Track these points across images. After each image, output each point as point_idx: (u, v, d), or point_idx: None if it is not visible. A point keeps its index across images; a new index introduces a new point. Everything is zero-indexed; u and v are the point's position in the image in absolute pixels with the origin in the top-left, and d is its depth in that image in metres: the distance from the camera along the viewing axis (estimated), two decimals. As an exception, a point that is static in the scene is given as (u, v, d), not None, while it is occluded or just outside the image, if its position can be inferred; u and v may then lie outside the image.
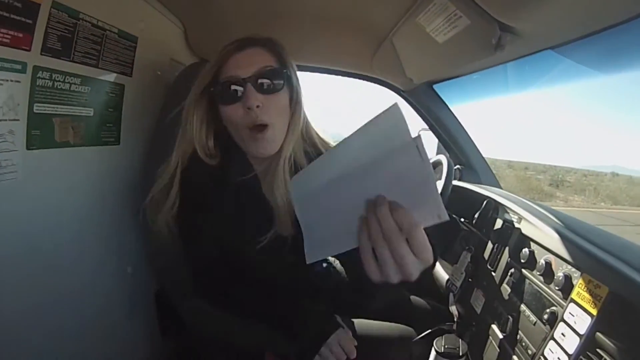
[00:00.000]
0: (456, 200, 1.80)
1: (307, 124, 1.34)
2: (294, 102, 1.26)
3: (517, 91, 1.95)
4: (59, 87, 1.29)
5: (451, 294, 1.57)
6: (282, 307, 1.27)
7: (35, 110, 1.21)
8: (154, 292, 1.85)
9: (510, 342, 1.19)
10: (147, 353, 1.89)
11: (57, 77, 1.28)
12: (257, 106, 1.15)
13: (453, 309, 1.54)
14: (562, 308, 1.01)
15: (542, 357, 1.03)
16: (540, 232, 1.24)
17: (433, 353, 1.30)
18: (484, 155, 2.33)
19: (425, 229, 0.73)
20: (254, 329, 1.37)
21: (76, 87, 1.36)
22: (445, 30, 1.34)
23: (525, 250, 1.24)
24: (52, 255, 1.36)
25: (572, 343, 0.94)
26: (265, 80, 1.17)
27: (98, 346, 1.59)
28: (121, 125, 1.61)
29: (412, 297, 1.73)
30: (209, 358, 1.68)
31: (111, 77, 1.52)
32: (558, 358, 0.97)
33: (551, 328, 1.02)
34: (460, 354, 1.27)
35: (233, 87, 1.16)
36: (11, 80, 1.13)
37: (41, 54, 1.20)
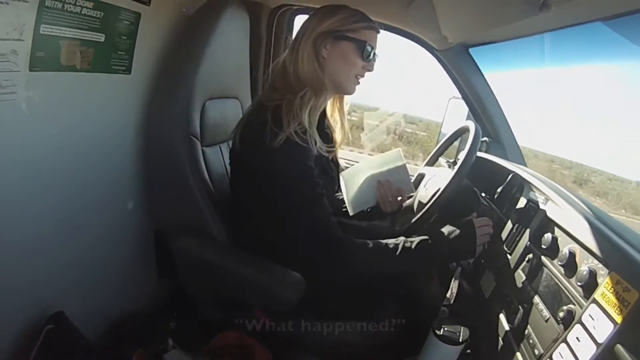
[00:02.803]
0: (479, 172, 1.67)
1: None
2: None
3: (556, 65, 1.86)
4: (69, 9, 1.23)
5: (458, 269, 1.50)
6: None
7: (41, 32, 1.17)
8: (153, 231, 1.83)
9: (516, 336, 1.08)
10: (143, 291, 1.89)
11: (68, -1, 1.23)
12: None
13: (455, 284, 1.46)
14: (582, 308, 0.88)
15: None
16: (567, 217, 1.11)
17: (431, 334, 1.21)
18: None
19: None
20: (241, 279, 1.42)
21: (88, 11, 1.30)
22: None
23: (548, 235, 1.11)
24: (48, 183, 1.34)
25: (587, 351, 0.81)
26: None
27: (95, 280, 1.60)
28: (134, 55, 1.55)
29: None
30: (198, 302, 1.69)
31: (127, 3, 1.44)
32: (568, 366, 0.84)
33: (565, 329, 0.90)
34: (460, 340, 1.18)
35: (370, 52, 1.43)
36: (18, 0, 1.09)
37: (52, -26, 1.16)
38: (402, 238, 1.38)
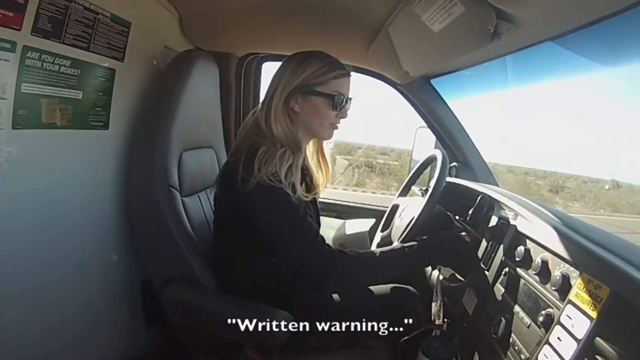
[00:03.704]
0: (451, 197, 1.73)
1: None
2: None
3: (515, 86, 1.93)
4: (48, 68, 1.29)
5: (438, 293, 1.48)
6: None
7: (22, 90, 1.22)
8: (140, 281, 1.82)
9: (502, 345, 1.11)
10: (132, 342, 1.87)
11: (47, 58, 1.28)
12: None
13: (437, 304, 1.44)
14: (559, 310, 0.93)
15: None
16: (536, 229, 1.16)
17: (420, 355, 1.24)
18: (485, 160, 2.29)
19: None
20: (231, 321, 1.41)
21: (66, 69, 1.35)
22: (441, 18, 1.29)
23: (521, 248, 1.15)
24: (32, 239, 1.35)
25: (569, 348, 0.85)
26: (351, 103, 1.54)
27: (83, 334, 1.58)
28: (110, 110, 1.59)
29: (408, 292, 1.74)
30: (190, 348, 1.68)
31: (102, 61, 1.50)
32: (553, 364, 0.88)
33: (546, 331, 0.94)
34: (449, 357, 1.21)
35: (341, 100, 1.46)
36: (0, 59, 1.14)
37: (31, 34, 1.21)
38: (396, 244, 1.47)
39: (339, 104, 1.46)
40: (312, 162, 1.65)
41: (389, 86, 2.35)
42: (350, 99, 1.52)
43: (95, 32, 1.44)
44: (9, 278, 1.28)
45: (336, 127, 1.53)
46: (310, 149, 1.64)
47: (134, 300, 1.84)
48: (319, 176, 1.65)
